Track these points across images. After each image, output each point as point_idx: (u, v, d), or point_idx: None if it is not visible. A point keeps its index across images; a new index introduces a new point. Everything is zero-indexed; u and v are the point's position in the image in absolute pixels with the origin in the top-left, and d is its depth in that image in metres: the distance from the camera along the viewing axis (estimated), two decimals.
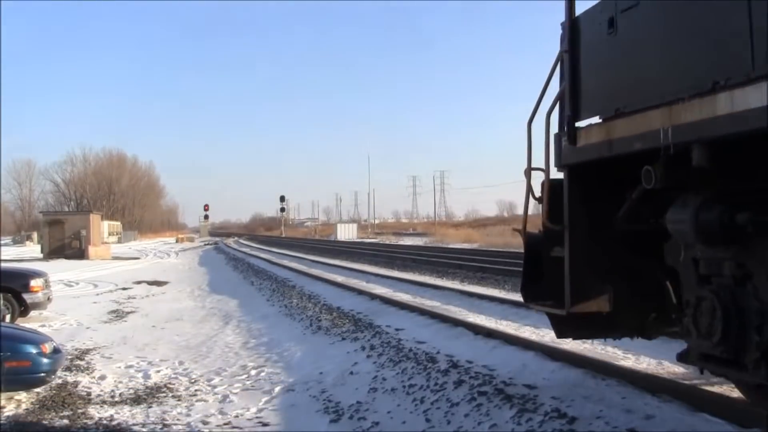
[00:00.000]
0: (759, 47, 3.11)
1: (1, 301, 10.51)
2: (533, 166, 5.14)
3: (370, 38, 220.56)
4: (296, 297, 13.93)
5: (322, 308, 11.78)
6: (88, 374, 7.59)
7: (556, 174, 4.98)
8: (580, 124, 4.68)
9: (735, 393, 4.76)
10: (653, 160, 3.81)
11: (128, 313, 13.42)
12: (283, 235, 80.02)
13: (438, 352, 7.00)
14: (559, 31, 5.05)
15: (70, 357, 8.29)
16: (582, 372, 5.55)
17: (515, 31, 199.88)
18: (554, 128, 4.95)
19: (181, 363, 8.29)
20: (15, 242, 64.69)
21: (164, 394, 6.76)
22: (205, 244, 60.60)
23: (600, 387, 5.06)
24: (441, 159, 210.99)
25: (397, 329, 8.81)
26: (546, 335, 7.99)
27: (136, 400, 6.53)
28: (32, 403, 6.22)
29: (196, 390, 6.93)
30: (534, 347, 6.66)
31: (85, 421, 5.75)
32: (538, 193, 5.10)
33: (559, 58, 4.98)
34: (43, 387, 6.54)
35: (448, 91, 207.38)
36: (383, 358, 7.27)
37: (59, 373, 6.93)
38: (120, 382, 7.26)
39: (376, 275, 18.59)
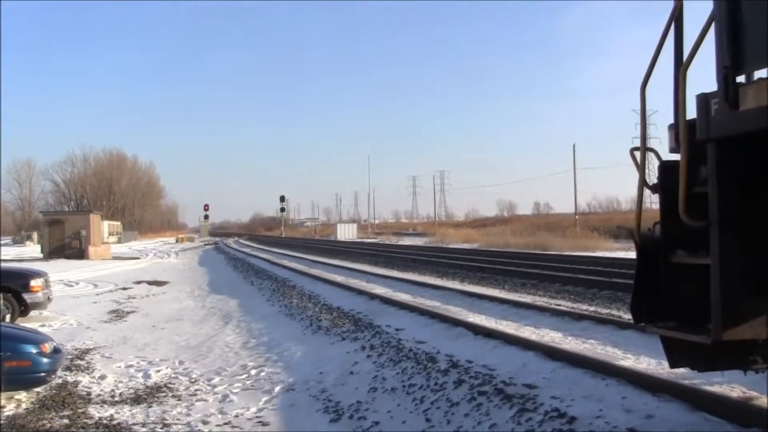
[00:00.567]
0: None
1: (1, 301, 10.52)
2: (645, 146, 3.94)
3: (370, 38, 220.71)
4: (296, 297, 13.94)
5: (322, 308, 11.78)
6: (88, 374, 7.59)
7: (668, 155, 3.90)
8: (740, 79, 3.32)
9: (735, 393, 4.76)
10: None
11: (128, 312, 13.42)
12: (283, 235, 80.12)
13: (438, 352, 7.00)
14: None
15: (70, 357, 8.30)
16: (582, 372, 5.55)
17: (516, 31, 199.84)
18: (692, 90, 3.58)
19: (181, 363, 8.30)
20: (15, 242, 64.65)
21: (164, 394, 6.76)
22: (205, 244, 60.61)
23: (600, 387, 5.06)
24: (441, 159, 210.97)
25: (397, 329, 8.82)
26: (546, 335, 8.00)
27: (136, 399, 6.54)
28: (32, 403, 6.22)
29: (196, 390, 6.94)
30: (534, 347, 6.66)
31: (85, 420, 5.75)
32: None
33: None
34: (43, 387, 6.55)
35: (449, 91, 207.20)
36: (383, 358, 7.27)
37: (59, 372, 6.93)
38: (120, 382, 7.26)
39: (376, 275, 18.59)
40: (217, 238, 77.79)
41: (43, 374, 6.23)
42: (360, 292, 13.61)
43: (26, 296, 11.13)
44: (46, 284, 11.77)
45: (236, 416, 5.94)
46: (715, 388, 4.86)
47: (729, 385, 4.95)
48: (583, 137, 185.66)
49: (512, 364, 6.12)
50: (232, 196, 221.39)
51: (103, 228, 49.89)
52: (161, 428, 5.61)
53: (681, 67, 3.67)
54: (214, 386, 7.05)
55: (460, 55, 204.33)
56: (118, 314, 13.14)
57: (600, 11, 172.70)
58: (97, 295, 17.00)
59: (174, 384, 7.19)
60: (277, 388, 6.85)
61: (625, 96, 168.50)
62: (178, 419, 5.87)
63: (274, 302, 14.01)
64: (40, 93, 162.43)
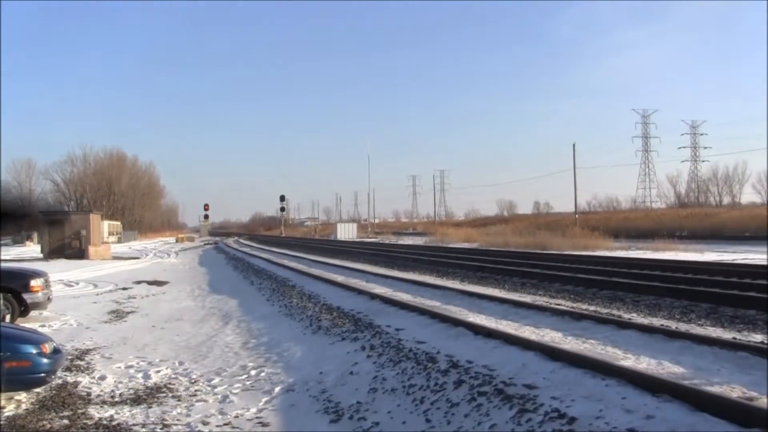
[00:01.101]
0: None
1: (1, 301, 10.52)
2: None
3: (370, 38, 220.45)
4: (296, 297, 13.93)
5: (322, 308, 11.77)
6: (88, 374, 7.59)
7: None
8: None
9: (735, 393, 4.76)
10: None
11: (128, 313, 13.42)
12: (283, 235, 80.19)
13: (438, 352, 7.00)
14: None
15: (70, 357, 8.30)
16: (582, 372, 5.54)
17: (516, 31, 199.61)
18: None
19: (181, 363, 8.30)
20: (15, 242, 64.63)
21: (164, 395, 6.76)
22: (205, 244, 60.64)
23: (600, 387, 5.06)
24: (441, 159, 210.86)
25: (397, 329, 8.81)
26: (546, 335, 8.00)
27: (136, 400, 6.53)
28: (32, 403, 6.22)
29: (196, 390, 6.93)
30: (534, 347, 6.65)
31: (85, 421, 5.75)
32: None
33: None
34: (43, 387, 6.54)
35: (449, 91, 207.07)
36: (383, 358, 7.27)
37: (59, 373, 6.93)
38: (120, 383, 7.26)
39: (376, 275, 18.57)
40: (217, 238, 77.83)
41: (43, 375, 6.23)
42: (360, 292, 13.61)
43: (26, 296, 11.13)
44: (46, 284, 11.77)
45: (236, 417, 5.94)
46: (716, 389, 4.86)
47: (729, 386, 4.95)
48: (583, 137, 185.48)
49: (512, 364, 6.12)
50: (232, 196, 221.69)
51: (103, 228, 49.92)
52: (161, 429, 5.61)
53: None
54: (214, 387, 7.05)
55: (460, 55, 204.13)
56: (118, 314, 13.14)
57: (600, 11, 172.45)
58: (97, 295, 17.01)
59: (174, 384, 7.19)
60: (277, 389, 6.85)
61: (625, 96, 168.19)
62: (178, 420, 5.86)
63: (273, 302, 14.01)
64: (40, 93, 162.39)
